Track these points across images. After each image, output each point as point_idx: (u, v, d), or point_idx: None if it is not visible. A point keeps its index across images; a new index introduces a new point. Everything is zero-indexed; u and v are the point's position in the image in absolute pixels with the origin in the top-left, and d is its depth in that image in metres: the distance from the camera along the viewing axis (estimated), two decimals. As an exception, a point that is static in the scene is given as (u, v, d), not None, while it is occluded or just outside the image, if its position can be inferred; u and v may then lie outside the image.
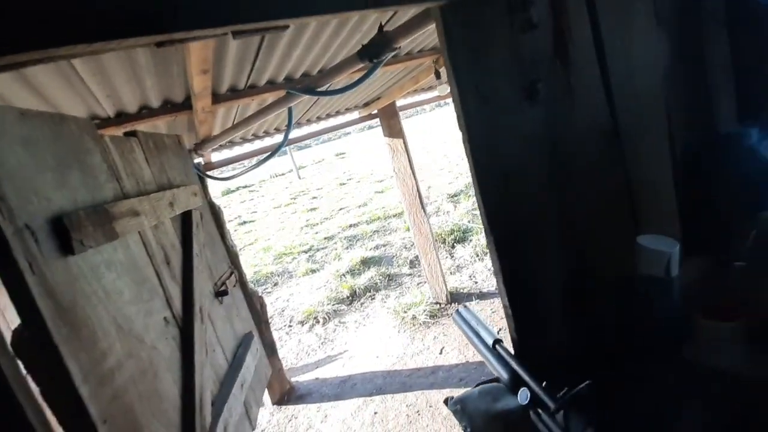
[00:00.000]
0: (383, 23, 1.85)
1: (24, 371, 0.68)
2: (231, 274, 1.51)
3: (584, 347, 1.14)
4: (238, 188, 19.26)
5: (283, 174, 20.62)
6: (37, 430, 0.61)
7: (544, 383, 0.93)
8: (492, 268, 5.16)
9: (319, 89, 1.99)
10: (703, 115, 1.42)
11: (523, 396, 0.93)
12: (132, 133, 1.17)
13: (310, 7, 0.79)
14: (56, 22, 0.55)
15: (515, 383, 1.01)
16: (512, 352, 1.13)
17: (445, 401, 1.10)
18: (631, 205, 1.23)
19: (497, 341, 1.11)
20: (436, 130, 19.63)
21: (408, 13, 1.79)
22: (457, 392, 3.46)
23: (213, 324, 1.20)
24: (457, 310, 1.35)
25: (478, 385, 1.11)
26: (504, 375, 1.05)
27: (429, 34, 2.51)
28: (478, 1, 0.99)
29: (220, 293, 1.34)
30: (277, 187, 17.57)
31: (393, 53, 1.60)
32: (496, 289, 4.57)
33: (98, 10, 0.57)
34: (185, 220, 1.24)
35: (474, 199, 7.97)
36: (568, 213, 1.14)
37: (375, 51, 1.63)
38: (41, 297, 0.63)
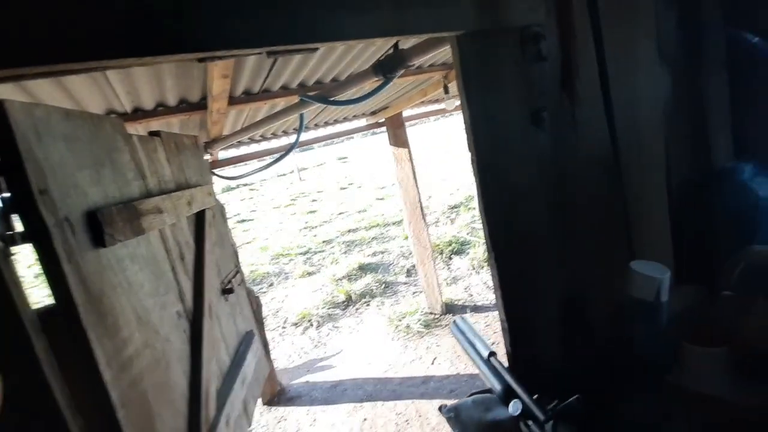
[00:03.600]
0: (398, 41, 1.92)
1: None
2: (237, 273, 1.56)
3: (576, 364, 1.18)
4: (238, 186, 19.27)
5: (284, 174, 20.66)
6: (64, 411, 0.65)
7: (535, 396, 0.97)
8: (491, 283, 5.22)
9: (332, 98, 2.05)
10: (700, 151, 1.49)
11: (514, 407, 0.98)
12: (156, 133, 1.23)
13: (338, 33, 0.85)
14: (118, 39, 0.61)
15: (507, 395, 1.06)
16: (506, 364, 1.18)
17: (440, 408, 1.14)
18: (627, 233, 1.29)
19: (492, 353, 1.15)
20: (439, 140, 19.74)
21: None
22: (447, 403, 3.48)
23: (219, 320, 1.24)
24: (455, 320, 1.40)
25: (472, 395, 1.16)
26: (497, 386, 1.10)
27: (440, 51, 2.59)
28: (493, 33, 1.06)
29: (226, 291, 1.38)
30: (278, 188, 17.61)
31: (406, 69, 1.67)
32: (491, 302, 4.61)
33: (155, 30, 0.64)
34: (199, 219, 1.29)
35: (473, 212, 8.06)
36: (568, 236, 1.19)
37: (389, 67, 1.70)
38: (76, 285, 0.68)
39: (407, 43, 1.97)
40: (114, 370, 0.72)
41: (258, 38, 0.75)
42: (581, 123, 1.20)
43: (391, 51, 2.09)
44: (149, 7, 0.66)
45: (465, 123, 1.08)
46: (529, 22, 1.08)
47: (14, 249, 0.65)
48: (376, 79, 1.79)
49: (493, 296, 4.99)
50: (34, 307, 0.69)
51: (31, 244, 0.69)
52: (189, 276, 1.11)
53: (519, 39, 1.08)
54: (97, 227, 0.75)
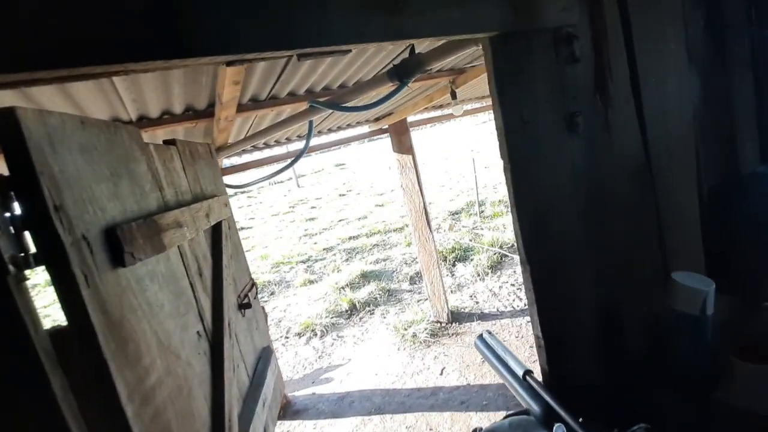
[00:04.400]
0: (413, 45, 1.88)
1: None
2: (252, 286, 1.49)
3: (615, 382, 1.13)
4: (236, 193, 19.19)
5: (281, 182, 20.59)
6: (83, 451, 0.59)
7: (580, 419, 0.91)
8: (497, 291, 5.13)
9: (343, 104, 2.00)
10: (728, 154, 1.45)
11: (559, 432, 0.91)
12: (171, 141, 1.16)
13: (370, 35, 0.80)
14: (145, 42, 0.56)
15: (548, 417, 0.99)
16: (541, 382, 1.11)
17: (474, 432, 1.08)
18: (660, 241, 1.24)
19: (528, 372, 1.09)
20: (438, 145, 19.76)
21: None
22: (458, 416, 3.40)
23: (237, 338, 1.17)
24: (481, 335, 1.34)
25: (507, 417, 1.09)
26: (535, 407, 1.03)
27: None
28: (526, 34, 1.01)
29: (243, 306, 1.31)
30: (276, 195, 17.53)
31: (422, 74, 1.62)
32: (497, 310, 4.54)
33: (183, 33, 0.59)
34: (216, 231, 1.23)
35: (474, 218, 7.98)
36: (602, 246, 1.14)
37: (406, 71, 1.65)
38: (95, 311, 0.62)
39: (421, 46, 1.93)
40: (136, 404, 0.66)
41: (290, 40, 0.70)
42: (614, 127, 1.15)
43: (402, 55, 2.05)
44: (176, 10, 0.61)
45: (497, 128, 1.03)
46: (563, 22, 1.03)
47: (28, 273, 0.59)
48: (391, 84, 1.75)
49: (500, 304, 4.90)
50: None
51: (44, 266, 0.63)
52: (207, 293, 1.04)
53: (552, 40, 1.03)
54: (117, 245, 0.69)
